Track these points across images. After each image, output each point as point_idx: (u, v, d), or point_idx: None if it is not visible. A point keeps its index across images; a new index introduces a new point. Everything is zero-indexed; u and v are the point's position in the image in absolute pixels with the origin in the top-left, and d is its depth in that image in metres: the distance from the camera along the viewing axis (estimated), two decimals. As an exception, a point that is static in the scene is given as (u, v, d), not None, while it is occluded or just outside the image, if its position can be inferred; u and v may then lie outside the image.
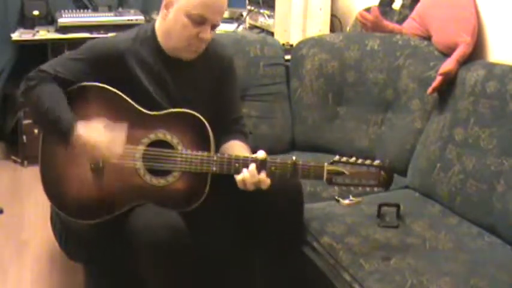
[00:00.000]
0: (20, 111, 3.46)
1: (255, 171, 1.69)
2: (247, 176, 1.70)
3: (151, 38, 1.84)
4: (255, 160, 1.71)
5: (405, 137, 2.35)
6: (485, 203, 1.94)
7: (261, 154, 1.73)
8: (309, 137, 2.55)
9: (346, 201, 2.11)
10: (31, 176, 3.38)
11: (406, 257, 1.75)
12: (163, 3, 1.79)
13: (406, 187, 2.27)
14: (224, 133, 1.92)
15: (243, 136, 1.97)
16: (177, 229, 1.66)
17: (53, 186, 1.79)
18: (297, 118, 2.56)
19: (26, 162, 3.54)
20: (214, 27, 1.80)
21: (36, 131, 3.35)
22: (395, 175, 2.31)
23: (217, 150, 1.84)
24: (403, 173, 2.31)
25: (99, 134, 1.70)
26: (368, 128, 2.47)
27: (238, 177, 1.71)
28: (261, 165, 1.71)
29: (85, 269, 2.08)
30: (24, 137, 3.48)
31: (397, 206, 1.99)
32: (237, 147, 1.87)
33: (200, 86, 1.90)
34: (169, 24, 1.78)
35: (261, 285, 1.95)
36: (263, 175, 1.70)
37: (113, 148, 1.71)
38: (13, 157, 3.62)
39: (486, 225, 1.94)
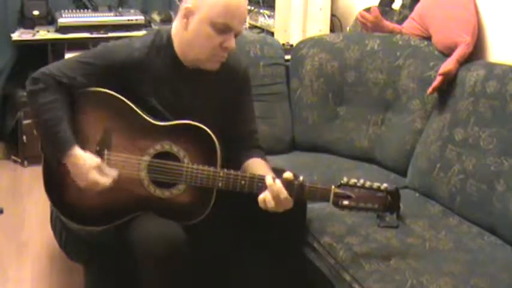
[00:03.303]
0: (20, 111, 3.45)
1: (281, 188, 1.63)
2: (267, 195, 1.64)
3: (167, 46, 1.78)
4: (262, 180, 1.66)
5: (405, 137, 2.35)
6: (485, 203, 1.94)
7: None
8: (309, 137, 2.55)
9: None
10: (31, 176, 3.38)
11: (406, 257, 1.75)
12: (182, 12, 1.72)
13: (406, 187, 2.27)
14: (241, 148, 1.88)
15: (262, 152, 1.92)
16: (177, 239, 1.65)
17: (56, 193, 1.78)
18: (297, 118, 2.56)
19: (26, 162, 3.54)
20: (236, 35, 1.74)
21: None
22: (395, 175, 2.33)
23: (230, 164, 1.77)
24: (403, 173, 2.31)
25: (91, 159, 1.69)
26: (368, 128, 2.47)
27: (260, 197, 1.66)
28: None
29: (85, 269, 2.08)
30: (24, 137, 3.47)
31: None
32: (260, 167, 1.81)
33: (214, 97, 1.85)
34: (191, 34, 1.72)
35: (262, 285, 1.95)
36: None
37: (100, 175, 1.69)
38: (13, 157, 3.61)
39: (486, 225, 1.94)
